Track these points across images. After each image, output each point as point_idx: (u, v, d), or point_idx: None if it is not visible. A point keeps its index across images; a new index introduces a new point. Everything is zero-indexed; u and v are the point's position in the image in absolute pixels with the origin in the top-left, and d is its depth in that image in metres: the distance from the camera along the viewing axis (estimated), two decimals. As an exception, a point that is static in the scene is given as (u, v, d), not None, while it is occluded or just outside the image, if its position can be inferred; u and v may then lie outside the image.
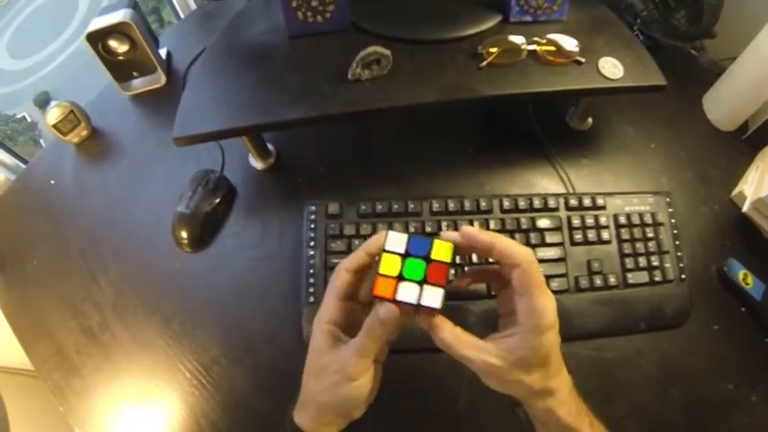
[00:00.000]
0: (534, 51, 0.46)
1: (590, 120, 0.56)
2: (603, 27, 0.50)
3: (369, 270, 0.30)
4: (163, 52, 0.63)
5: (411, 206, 0.46)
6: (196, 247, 0.49)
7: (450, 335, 0.28)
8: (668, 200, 0.49)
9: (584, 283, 0.45)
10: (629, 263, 0.46)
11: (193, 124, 0.45)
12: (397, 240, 0.27)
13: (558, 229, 0.46)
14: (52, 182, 0.56)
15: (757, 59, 0.51)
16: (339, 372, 0.27)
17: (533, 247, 0.45)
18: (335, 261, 0.44)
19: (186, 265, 0.49)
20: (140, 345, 0.46)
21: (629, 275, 0.45)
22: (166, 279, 0.49)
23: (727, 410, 0.43)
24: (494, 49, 0.46)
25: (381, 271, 0.26)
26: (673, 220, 0.48)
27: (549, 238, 0.46)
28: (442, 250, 0.27)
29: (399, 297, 0.26)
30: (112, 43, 0.55)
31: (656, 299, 0.45)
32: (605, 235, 0.46)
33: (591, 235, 0.46)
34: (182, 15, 0.78)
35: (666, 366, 0.44)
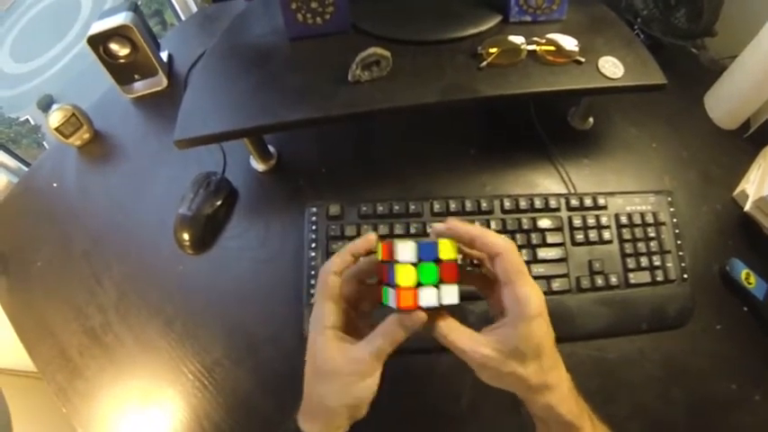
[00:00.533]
0: (534, 51, 0.46)
1: (591, 119, 0.56)
2: (603, 26, 0.50)
3: (351, 271, 0.30)
4: (164, 55, 0.63)
5: (412, 207, 0.46)
6: (198, 249, 0.50)
7: (445, 324, 0.28)
8: (670, 199, 0.49)
9: (585, 283, 0.45)
10: (631, 263, 0.46)
11: (195, 126, 0.45)
12: (406, 250, 0.27)
13: (559, 229, 0.46)
14: (55, 185, 0.57)
15: (758, 57, 0.51)
16: (354, 373, 0.28)
17: (534, 247, 0.45)
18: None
19: (188, 266, 0.49)
20: (143, 346, 0.46)
21: (631, 275, 0.45)
22: (169, 281, 0.49)
23: (730, 410, 0.42)
24: (493, 50, 0.46)
25: (400, 283, 0.26)
26: (674, 220, 0.48)
27: (551, 239, 0.46)
28: (447, 249, 0.28)
29: (422, 303, 0.26)
30: (113, 46, 0.56)
31: (658, 299, 0.45)
32: (607, 235, 0.46)
33: (592, 235, 0.46)
34: (183, 18, 0.79)
35: (669, 366, 0.44)
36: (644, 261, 0.46)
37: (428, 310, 0.27)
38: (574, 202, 0.47)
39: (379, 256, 0.29)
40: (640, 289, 0.45)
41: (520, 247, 0.45)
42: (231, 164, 0.54)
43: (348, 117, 0.44)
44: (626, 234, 0.47)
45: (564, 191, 0.52)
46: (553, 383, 0.28)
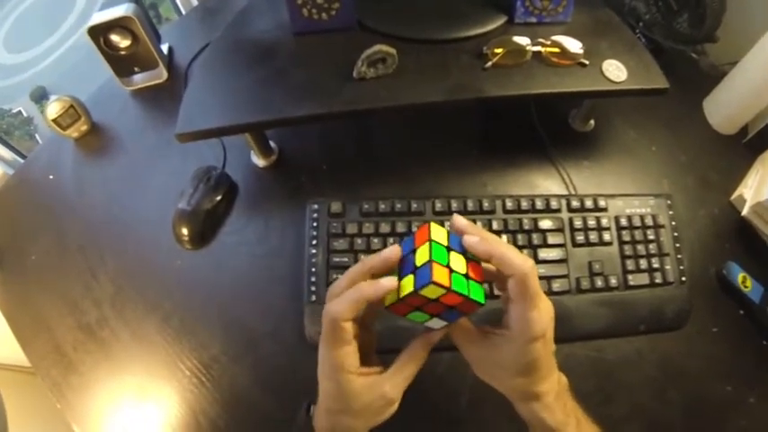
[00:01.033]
0: (539, 53, 0.46)
1: (592, 122, 0.57)
2: (607, 30, 0.50)
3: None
4: (164, 48, 0.62)
5: (414, 205, 0.46)
6: (197, 244, 0.49)
7: None
8: (669, 202, 0.49)
9: (585, 284, 0.45)
10: (630, 264, 0.46)
11: (197, 120, 0.44)
12: (440, 233, 0.28)
13: (559, 230, 0.46)
14: (51, 177, 0.56)
15: (758, 65, 0.51)
16: (385, 405, 0.28)
17: (535, 248, 0.46)
18: (338, 260, 0.44)
19: (186, 262, 0.49)
20: (139, 342, 0.45)
21: (630, 277, 0.46)
22: (166, 276, 0.48)
23: (726, 412, 0.43)
24: (499, 50, 0.46)
25: (435, 258, 0.26)
26: (673, 223, 0.48)
27: (551, 239, 0.46)
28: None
29: (455, 287, 0.26)
30: (114, 38, 0.55)
31: (657, 301, 0.45)
32: (607, 236, 0.47)
33: (592, 236, 0.46)
34: (183, 11, 0.78)
35: (666, 368, 0.44)
36: (643, 263, 0.46)
37: (451, 309, 0.27)
38: (575, 204, 0.47)
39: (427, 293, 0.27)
40: (639, 291, 0.45)
41: (521, 248, 0.45)
42: (231, 159, 0.53)
43: (352, 114, 0.44)
44: (626, 236, 0.47)
45: (564, 192, 0.52)
46: (541, 393, 0.28)
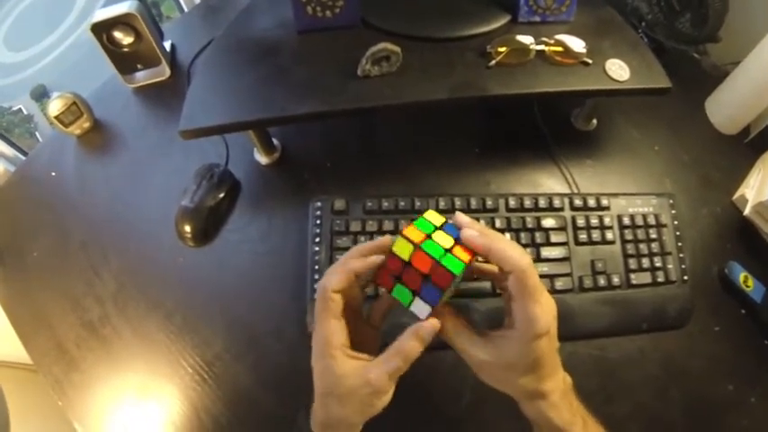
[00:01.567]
0: (542, 52, 0.46)
1: (595, 121, 0.57)
2: (610, 29, 0.50)
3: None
4: (167, 45, 0.62)
5: (417, 203, 0.46)
6: (199, 242, 0.49)
7: (452, 325, 0.29)
8: (671, 202, 0.49)
9: (587, 282, 0.45)
10: (633, 263, 0.46)
11: (200, 117, 0.44)
12: (435, 215, 0.29)
13: (562, 228, 0.46)
14: (53, 174, 0.56)
15: (760, 65, 0.52)
16: (371, 394, 0.27)
17: (538, 246, 0.46)
18: (341, 257, 0.44)
19: (189, 259, 0.49)
20: (141, 339, 0.45)
21: (633, 276, 0.46)
22: (169, 273, 0.48)
23: (727, 411, 0.43)
24: (502, 49, 0.46)
25: (416, 224, 0.28)
26: (675, 222, 0.48)
27: (554, 238, 0.46)
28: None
29: (427, 250, 0.27)
30: (117, 35, 0.55)
31: (659, 299, 0.46)
32: (609, 235, 0.47)
33: (595, 235, 0.46)
34: (185, 8, 0.78)
35: (668, 366, 0.44)
36: (645, 262, 0.46)
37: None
38: (577, 202, 0.47)
39: (397, 249, 0.28)
40: (641, 289, 0.46)
41: (524, 246, 0.45)
42: (234, 156, 0.53)
43: (356, 112, 0.44)
44: (628, 235, 0.47)
45: (567, 191, 0.52)
46: (547, 391, 0.28)
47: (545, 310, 0.27)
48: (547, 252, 0.45)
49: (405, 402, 0.40)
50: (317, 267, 0.44)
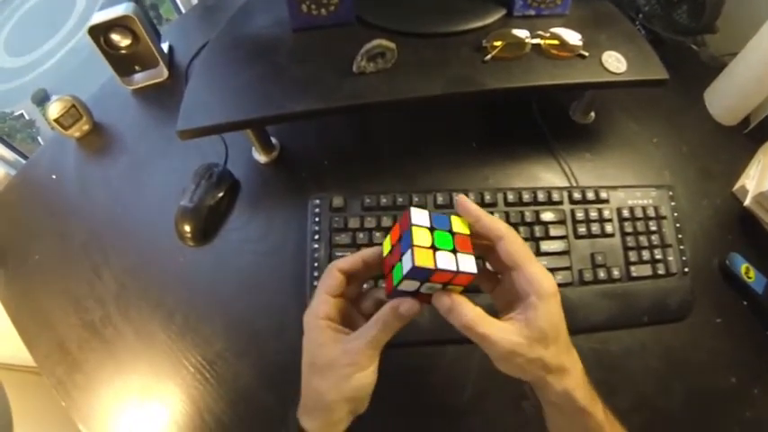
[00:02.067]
0: (538, 45, 0.46)
1: (593, 114, 0.56)
2: (606, 21, 0.50)
3: (358, 274, 0.30)
4: (165, 46, 0.63)
5: (415, 199, 0.46)
6: (199, 241, 0.49)
7: (473, 314, 0.27)
8: (671, 193, 0.49)
9: (587, 275, 0.45)
10: (633, 256, 0.46)
11: (198, 117, 0.44)
12: (421, 215, 0.28)
13: (561, 222, 0.46)
14: (54, 176, 0.56)
15: (759, 55, 0.51)
16: (351, 365, 0.27)
17: (537, 240, 0.46)
18: (340, 254, 0.44)
19: (189, 259, 0.49)
20: (143, 339, 0.46)
21: (633, 268, 0.46)
22: (170, 273, 0.48)
23: (730, 403, 0.43)
24: (498, 43, 0.46)
25: (416, 243, 0.26)
26: (675, 214, 0.48)
27: (553, 231, 0.46)
28: (459, 223, 0.29)
29: (440, 265, 0.26)
30: (115, 37, 0.55)
31: (660, 292, 0.45)
32: (609, 228, 0.47)
33: (594, 228, 0.46)
34: (182, 10, 0.78)
35: (669, 359, 0.44)
36: (645, 254, 0.46)
37: (444, 273, 0.26)
38: (576, 196, 0.47)
39: (388, 245, 0.29)
40: (642, 282, 0.45)
41: (523, 240, 0.45)
42: (233, 155, 0.53)
43: (352, 108, 0.44)
44: (628, 227, 0.47)
45: (566, 184, 0.52)
46: (569, 366, 0.28)
47: (545, 272, 0.28)
48: (546, 246, 0.45)
49: (407, 395, 0.41)
50: (316, 264, 0.44)
